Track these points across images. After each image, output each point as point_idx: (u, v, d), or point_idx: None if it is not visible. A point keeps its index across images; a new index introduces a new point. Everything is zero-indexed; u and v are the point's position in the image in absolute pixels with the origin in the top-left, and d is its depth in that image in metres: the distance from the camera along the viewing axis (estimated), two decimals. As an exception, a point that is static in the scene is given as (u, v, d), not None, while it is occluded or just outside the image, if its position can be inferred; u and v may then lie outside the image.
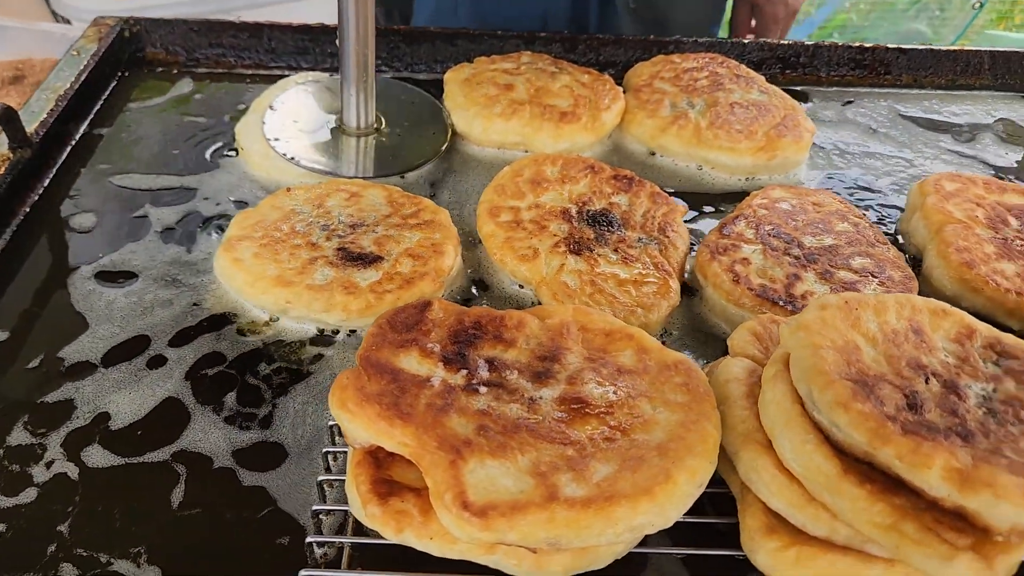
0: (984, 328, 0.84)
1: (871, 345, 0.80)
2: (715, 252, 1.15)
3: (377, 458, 0.81)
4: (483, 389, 0.81)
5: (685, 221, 1.24)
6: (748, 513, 0.79)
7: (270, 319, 1.09)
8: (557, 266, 1.11)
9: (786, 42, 1.62)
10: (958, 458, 0.68)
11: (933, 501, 0.70)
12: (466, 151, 1.42)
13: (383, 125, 1.42)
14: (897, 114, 1.57)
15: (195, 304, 1.08)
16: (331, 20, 1.58)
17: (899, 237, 1.28)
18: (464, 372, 0.83)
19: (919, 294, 1.18)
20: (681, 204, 1.24)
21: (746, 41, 1.62)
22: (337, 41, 1.31)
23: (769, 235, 1.18)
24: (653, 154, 1.43)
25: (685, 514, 0.75)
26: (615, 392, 0.83)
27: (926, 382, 0.78)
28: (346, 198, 1.20)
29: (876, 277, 1.12)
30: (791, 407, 0.76)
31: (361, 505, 0.77)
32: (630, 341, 0.89)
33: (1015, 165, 1.47)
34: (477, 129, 1.39)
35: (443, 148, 1.39)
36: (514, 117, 1.38)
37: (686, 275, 1.18)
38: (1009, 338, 0.83)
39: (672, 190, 1.34)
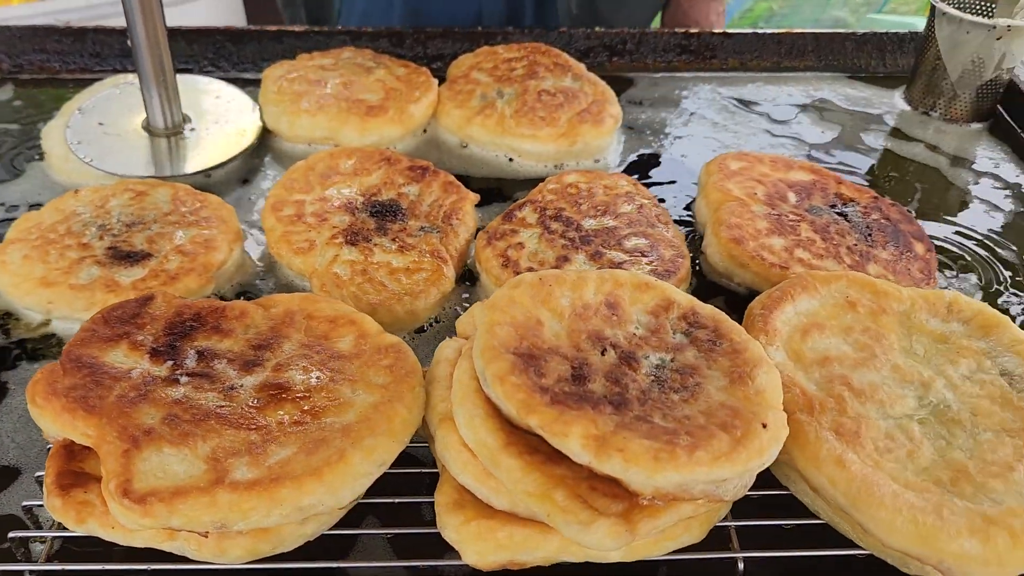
0: (685, 300, 0.86)
1: (557, 320, 0.82)
2: (492, 238, 1.16)
3: (72, 451, 0.81)
4: (184, 379, 0.82)
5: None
6: (440, 490, 0.80)
7: (44, 321, 1.09)
8: (331, 257, 1.12)
9: (613, 30, 1.64)
10: (597, 426, 0.70)
11: (591, 470, 0.72)
12: (279, 148, 1.43)
13: (191, 124, 1.42)
14: (719, 96, 1.59)
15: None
16: (205, 23, 1.60)
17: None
18: (170, 363, 0.84)
19: (702, 271, 1.20)
20: (472, 193, 1.25)
21: (573, 31, 1.64)
22: (129, 43, 1.31)
23: (551, 219, 1.20)
24: (465, 146, 1.44)
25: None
26: (318, 377, 0.84)
27: (602, 354, 0.79)
28: (131, 197, 1.20)
29: (646, 256, 1.13)
30: (468, 383, 0.78)
31: (45, 496, 0.78)
32: (352, 327, 0.90)
33: (829, 142, 1.49)
34: (284, 125, 1.40)
35: (249, 145, 1.39)
36: (320, 112, 1.39)
37: (469, 262, 1.20)
38: (705, 309, 0.85)
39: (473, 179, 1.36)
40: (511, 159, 1.42)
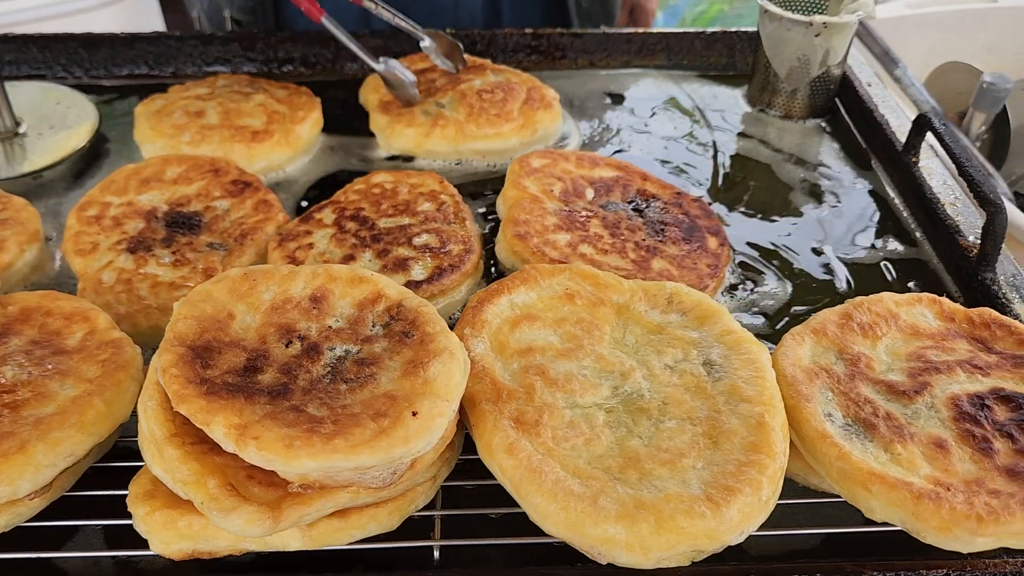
0: (395, 294, 0.87)
1: (252, 313, 0.84)
2: (284, 239, 1.18)
3: None
4: None
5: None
6: (135, 481, 0.82)
7: None
8: (105, 262, 1.13)
9: (463, 31, 1.65)
10: (242, 415, 0.72)
11: (252, 458, 0.74)
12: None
13: (24, 128, 1.44)
14: (566, 95, 1.60)
15: None
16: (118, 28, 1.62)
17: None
18: None
19: (496, 269, 1.22)
20: (282, 214, 1.24)
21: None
22: (-41, 49, 1.34)
23: (348, 219, 1.21)
24: (410, 159, 1.44)
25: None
26: (31, 372, 0.86)
27: (287, 345, 0.81)
28: (-66, 203, 1.23)
29: (432, 252, 1.15)
30: (151, 376, 0.79)
31: None
32: (84, 323, 0.92)
33: (675, 139, 1.50)
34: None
35: (80, 147, 1.41)
36: (203, 143, 1.37)
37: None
38: (413, 302, 0.86)
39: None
40: (458, 163, 1.44)
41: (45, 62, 1.63)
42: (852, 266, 1.23)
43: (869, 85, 1.55)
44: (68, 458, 0.80)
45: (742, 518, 0.74)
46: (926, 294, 0.97)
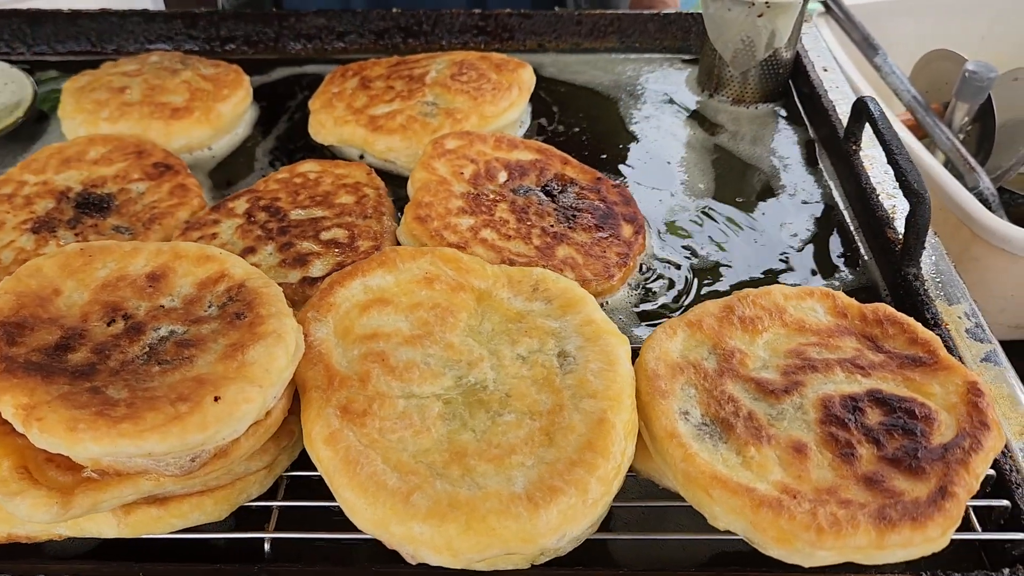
0: (240, 274, 0.83)
1: (82, 290, 0.81)
2: (189, 228, 1.15)
3: None
4: None
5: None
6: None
7: None
8: (6, 241, 1.11)
9: (408, 11, 1.61)
10: (33, 396, 0.69)
11: (54, 440, 0.70)
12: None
13: (-38, 105, 1.44)
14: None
15: None
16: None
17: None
18: None
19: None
20: (197, 200, 1.21)
21: (368, 12, 1.62)
22: None
23: (260, 209, 1.17)
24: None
25: None
26: None
27: (108, 324, 0.78)
28: None
29: (339, 247, 1.10)
30: (-32, 352, 0.77)
31: None
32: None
33: (624, 125, 1.44)
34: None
35: (14, 121, 1.40)
36: (121, 120, 1.34)
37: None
38: (255, 283, 0.82)
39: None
40: None
41: (-11, 38, 1.62)
42: (780, 257, 1.16)
43: (824, 70, 1.47)
44: None
45: (562, 520, 0.69)
46: (819, 287, 0.91)
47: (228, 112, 1.39)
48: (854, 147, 1.26)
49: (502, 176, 1.21)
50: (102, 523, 0.76)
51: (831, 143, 1.33)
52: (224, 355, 0.74)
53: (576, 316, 0.84)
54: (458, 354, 0.82)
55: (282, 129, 1.45)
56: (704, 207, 1.26)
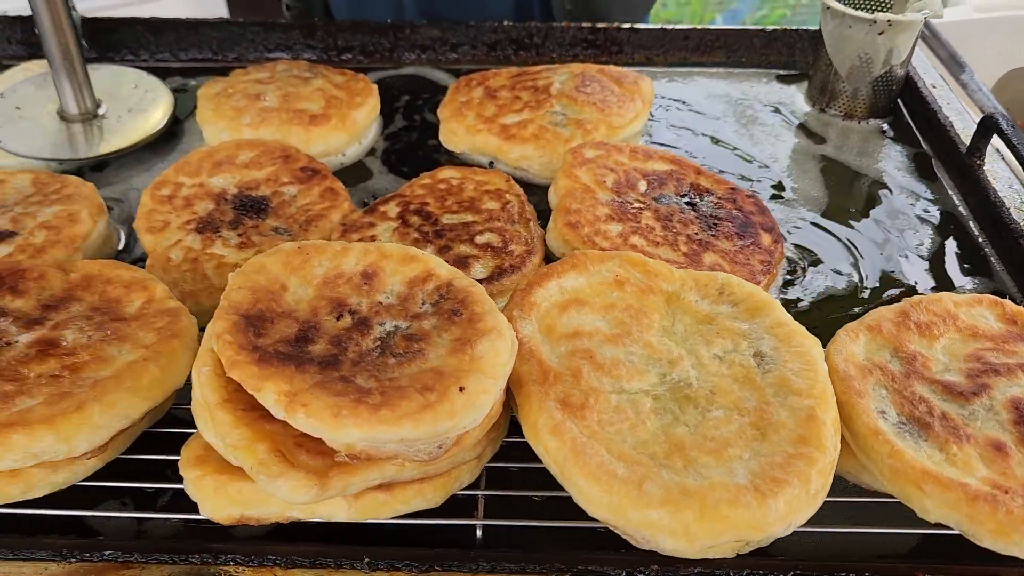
0: (446, 273, 0.88)
1: (305, 286, 0.85)
2: (347, 230, 1.19)
3: None
4: (-35, 333, 0.87)
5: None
6: (188, 446, 0.84)
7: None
8: (174, 240, 1.16)
9: (520, 24, 1.66)
10: (292, 383, 0.73)
11: (300, 427, 0.75)
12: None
13: (104, 110, 1.48)
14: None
15: None
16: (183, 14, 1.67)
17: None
18: (-42, 318, 0.89)
19: (545, 258, 1.22)
20: (348, 203, 1.25)
21: (481, 24, 1.67)
22: (36, 31, 1.38)
23: (412, 213, 1.21)
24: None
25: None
26: (91, 336, 0.88)
27: (338, 319, 0.82)
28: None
29: (495, 250, 1.14)
30: (206, 343, 0.81)
31: None
32: (143, 292, 0.95)
33: (736, 138, 1.49)
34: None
35: (158, 131, 1.45)
36: (262, 126, 1.39)
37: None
38: (463, 282, 0.87)
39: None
40: None
41: (113, 45, 1.67)
42: (912, 268, 1.20)
43: (934, 87, 1.51)
44: (123, 420, 0.82)
45: (789, 510, 0.72)
46: (987, 295, 0.95)
47: (362, 119, 1.44)
48: (978, 162, 1.30)
49: (642, 185, 1.26)
50: (334, 507, 0.79)
51: (950, 159, 1.37)
52: (453, 349, 0.78)
53: (766, 319, 0.88)
54: (657, 353, 0.86)
55: (402, 136, 1.49)
56: (817, 217, 1.30)
